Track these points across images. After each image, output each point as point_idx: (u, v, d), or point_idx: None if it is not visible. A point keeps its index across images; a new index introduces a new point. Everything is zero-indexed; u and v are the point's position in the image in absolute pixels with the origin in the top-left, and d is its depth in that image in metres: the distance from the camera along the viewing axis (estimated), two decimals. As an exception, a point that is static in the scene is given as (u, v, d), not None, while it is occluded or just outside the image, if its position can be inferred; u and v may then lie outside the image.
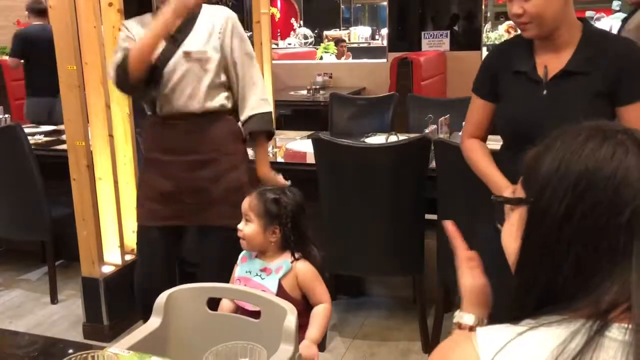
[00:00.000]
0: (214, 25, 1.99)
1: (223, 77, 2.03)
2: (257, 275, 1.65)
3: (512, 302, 0.72)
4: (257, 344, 1.09)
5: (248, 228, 1.66)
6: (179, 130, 2.01)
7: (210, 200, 2.05)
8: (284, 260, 1.65)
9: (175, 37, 1.97)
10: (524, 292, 0.72)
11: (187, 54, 1.96)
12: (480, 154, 1.71)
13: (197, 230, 2.17)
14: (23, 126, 3.05)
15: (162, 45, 1.94)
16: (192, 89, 1.97)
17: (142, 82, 1.93)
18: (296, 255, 1.64)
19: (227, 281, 2.10)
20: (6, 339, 1.30)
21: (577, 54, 1.51)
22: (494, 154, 1.73)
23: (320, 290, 1.64)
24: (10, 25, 7.30)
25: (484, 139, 1.76)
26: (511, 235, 0.76)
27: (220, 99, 2.03)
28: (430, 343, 2.46)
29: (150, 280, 2.21)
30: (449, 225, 1.01)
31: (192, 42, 1.97)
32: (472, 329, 0.93)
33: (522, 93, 1.56)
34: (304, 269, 1.64)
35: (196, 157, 2.02)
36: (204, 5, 2.03)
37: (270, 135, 2.16)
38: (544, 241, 0.69)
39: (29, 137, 3.06)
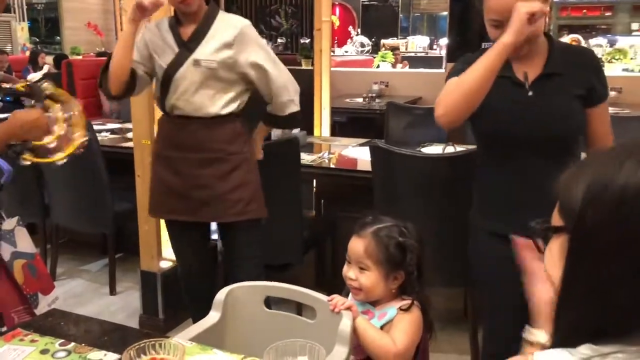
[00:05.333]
0: (227, 35, 2.05)
1: (235, 85, 2.11)
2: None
3: (560, 335, 0.69)
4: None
5: (365, 278, 1.41)
6: (188, 130, 2.11)
7: (215, 197, 2.14)
8: (391, 307, 1.43)
9: (188, 45, 2.06)
10: (572, 326, 0.68)
11: (196, 62, 2.04)
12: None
13: (219, 226, 2.31)
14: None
15: (173, 53, 2.07)
16: (200, 96, 2.07)
17: (122, 91, 2.12)
18: (409, 303, 1.41)
19: (254, 272, 2.19)
20: (76, 322, 1.37)
21: (551, 59, 1.62)
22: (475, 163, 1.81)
23: (398, 334, 1.37)
24: (82, 26, 7.67)
25: None
26: (553, 264, 0.71)
27: (228, 106, 2.11)
28: (480, 358, 2.43)
29: (189, 273, 2.37)
30: (520, 239, 0.99)
31: (203, 51, 2.05)
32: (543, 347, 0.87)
33: (508, 95, 1.60)
34: (405, 317, 1.40)
35: (203, 156, 2.12)
36: (220, 14, 2.11)
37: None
38: (590, 273, 0.65)
39: (97, 134, 3.20)
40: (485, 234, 1.77)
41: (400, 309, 1.40)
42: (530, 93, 1.61)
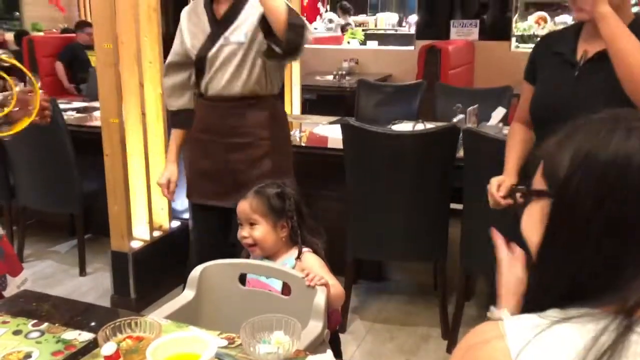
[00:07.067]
0: (256, 14, 1.99)
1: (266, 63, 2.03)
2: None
3: (532, 295, 0.71)
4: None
5: (257, 232, 1.56)
6: (219, 112, 2.07)
7: (244, 183, 2.06)
8: (288, 258, 1.57)
9: (220, 24, 2.03)
10: (545, 287, 0.70)
11: (226, 40, 2.01)
12: (513, 139, 1.74)
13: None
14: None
15: (206, 33, 2.05)
16: (231, 74, 2.02)
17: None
18: (304, 250, 1.57)
19: None
20: (48, 303, 1.36)
21: None
22: None
23: (327, 277, 1.48)
24: (43, 1, 7.41)
25: (529, 124, 1.75)
26: (532, 227, 0.73)
27: (261, 84, 2.06)
28: (450, 330, 2.49)
29: (200, 258, 2.24)
30: (494, 233, 0.99)
31: (234, 30, 2.01)
32: None
33: (555, 73, 1.57)
34: (309, 263, 1.54)
35: (233, 140, 2.08)
36: None
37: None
38: (570, 237, 0.67)
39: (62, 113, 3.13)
40: None
41: (297, 258, 1.54)
42: (576, 73, 1.52)
